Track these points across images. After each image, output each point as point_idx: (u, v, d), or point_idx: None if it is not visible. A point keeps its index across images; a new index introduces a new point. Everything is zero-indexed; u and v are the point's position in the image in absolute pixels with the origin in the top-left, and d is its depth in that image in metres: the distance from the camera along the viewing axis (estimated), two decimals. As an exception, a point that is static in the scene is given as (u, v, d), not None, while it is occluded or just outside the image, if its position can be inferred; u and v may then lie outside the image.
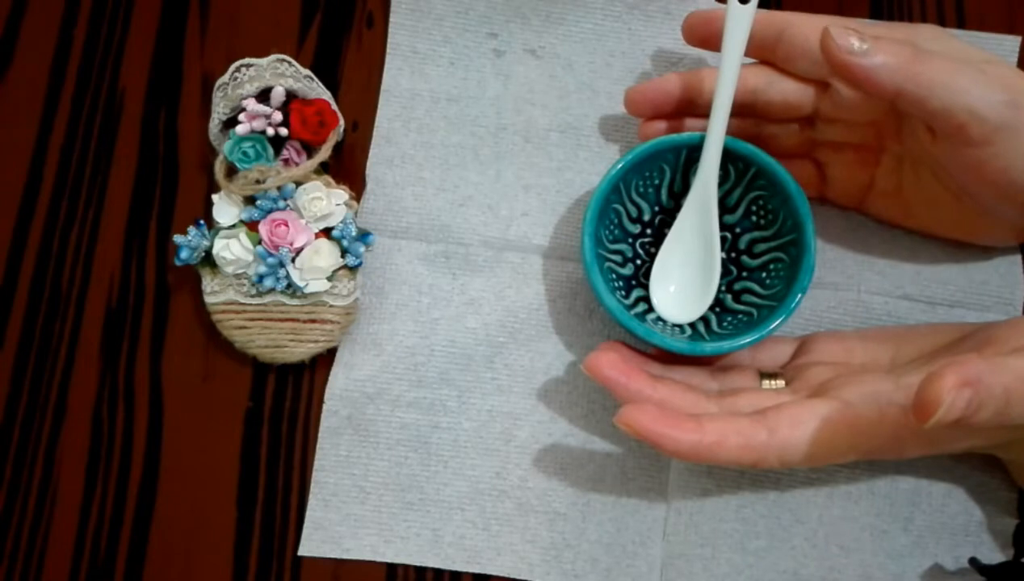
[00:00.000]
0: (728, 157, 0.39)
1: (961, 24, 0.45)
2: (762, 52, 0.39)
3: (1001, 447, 0.37)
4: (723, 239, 0.41)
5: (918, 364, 0.36)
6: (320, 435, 0.41)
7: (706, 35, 0.40)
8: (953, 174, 0.37)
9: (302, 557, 0.40)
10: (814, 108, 0.39)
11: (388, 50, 0.46)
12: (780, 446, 0.33)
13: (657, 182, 0.41)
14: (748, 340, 0.37)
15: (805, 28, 0.37)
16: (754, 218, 0.41)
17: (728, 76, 0.38)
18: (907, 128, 0.38)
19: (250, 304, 0.41)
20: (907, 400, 0.33)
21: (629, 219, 0.41)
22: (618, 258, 0.41)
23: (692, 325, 0.40)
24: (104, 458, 0.41)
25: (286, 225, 0.40)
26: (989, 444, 0.36)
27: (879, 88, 0.34)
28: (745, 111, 0.39)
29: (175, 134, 0.45)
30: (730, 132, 0.38)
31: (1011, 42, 0.44)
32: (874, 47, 0.34)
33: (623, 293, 0.40)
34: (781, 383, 0.37)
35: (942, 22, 0.45)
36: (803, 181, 0.40)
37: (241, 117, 0.41)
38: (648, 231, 0.42)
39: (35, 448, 0.41)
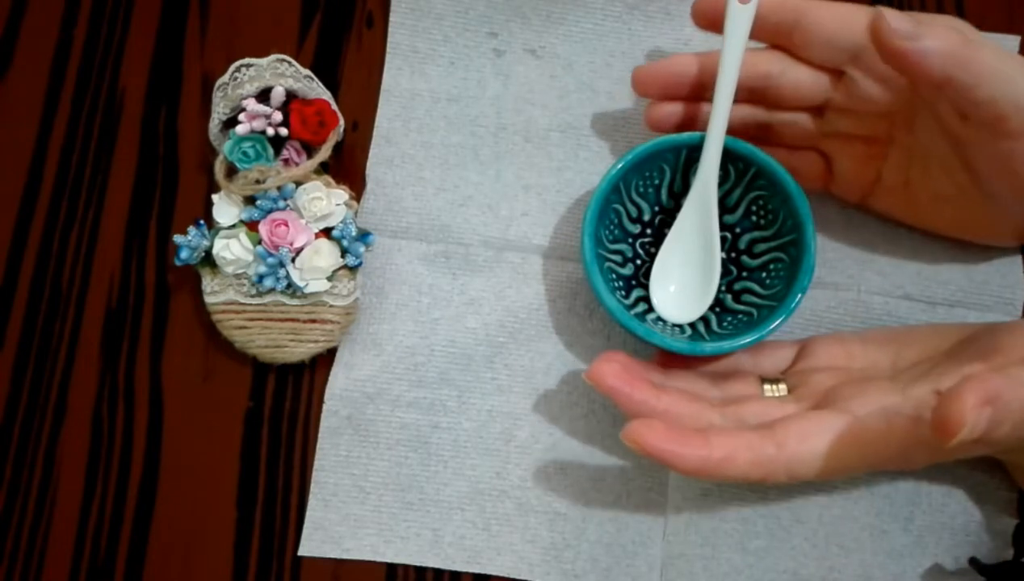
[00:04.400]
0: (728, 157, 0.39)
1: (961, 23, 0.45)
2: (777, 37, 0.38)
3: (1004, 451, 0.37)
4: (723, 239, 0.41)
5: (920, 370, 0.35)
6: (320, 435, 0.41)
7: (715, 17, 0.39)
8: (974, 163, 0.36)
9: (302, 557, 0.40)
10: (826, 97, 0.39)
11: (388, 50, 0.45)
12: (789, 461, 0.33)
13: (657, 182, 0.41)
14: (748, 340, 0.37)
15: (823, 14, 0.37)
16: (754, 218, 0.41)
17: (728, 76, 0.37)
18: (922, 118, 0.37)
19: (250, 304, 0.41)
20: (915, 412, 0.33)
21: (629, 219, 0.41)
22: (618, 258, 0.41)
23: (692, 325, 0.40)
24: (104, 458, 0.41)
25: (286, 225, 0.40)
26: (997, 451, 0.36)
27: (928, 74, 0.33)
28: (756, 97, 0.39)
29: (175, 134, 0.45)
30: (740, 119, 0.38)
31: (1011, 41, 0.44)
32: (925, 31, 0.33)
33: (623, 293, 0.40)
34: (783, 388, 0.37)
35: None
36: (809, 173, 0.40)
37: (241, 117, 0.41)
38: (648, 231, 0.42)
39: (35, 448, 0.41)
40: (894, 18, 0.33)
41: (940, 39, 0.33)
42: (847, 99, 0.38)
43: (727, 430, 0.34)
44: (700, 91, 0.40)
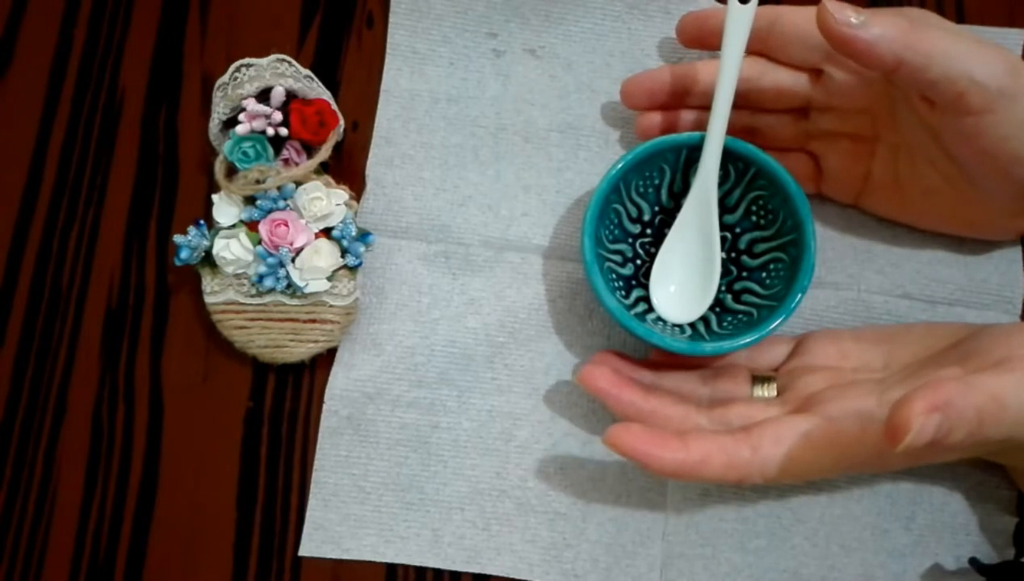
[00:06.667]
0: (728, 157, 0.39)
1: (961, 20, 0.45)
2: (755, 43, 0.39)
3: (995, 454, 0.37)
4: (723, 239, 0.41)
5: (906, 373, 0.36)
6: (320, 435, 0.41)
7: (700, 35, 0.41)
8: (951, 149, 0.37)
9: (302, 557, 0.40)
10: (807, 97, 0.39)
11: (388, 50, 0.45)
12: (763, 463, 0.33)
13: (657, 182, 0.41)
14: (748, 340, 0.37)
15: (795, 16, 0.38)
16: (754, 218, 0.41)
17: (728, 76, 0.38)
18: (902, 112, 0.38)
19: (250, 304, 0.41)
20: None
21: (629, 219, 0.41)
22: (618, 258, 0.41)
23: (692, 325, 0.40)
24: (104, 458, 0.41)
25: (286, 225, 0.40)
26: (979, 454, 0.36)
27: (879, 60, 0.34)
28: (739, 101, 0.39)
29: (175, 134, 0.45)
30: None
31: (1015, 35, 0.44)
32: (870, 19, 0.34)
33: (623, 293, 0.40)
34: (773, 390, 0.38)
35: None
36: (799, 175, 0.40)
37: (241, 117, 0.41)
38: (648, 231, 0.42)
39: (35, 448, 0.41)
40: (836, 8, 0.34)
41: (885, 25, 0.34)
42: (827, 96, 0.39)
43: (705, 433, 0.34)
44: (685, 99, 0.41)
